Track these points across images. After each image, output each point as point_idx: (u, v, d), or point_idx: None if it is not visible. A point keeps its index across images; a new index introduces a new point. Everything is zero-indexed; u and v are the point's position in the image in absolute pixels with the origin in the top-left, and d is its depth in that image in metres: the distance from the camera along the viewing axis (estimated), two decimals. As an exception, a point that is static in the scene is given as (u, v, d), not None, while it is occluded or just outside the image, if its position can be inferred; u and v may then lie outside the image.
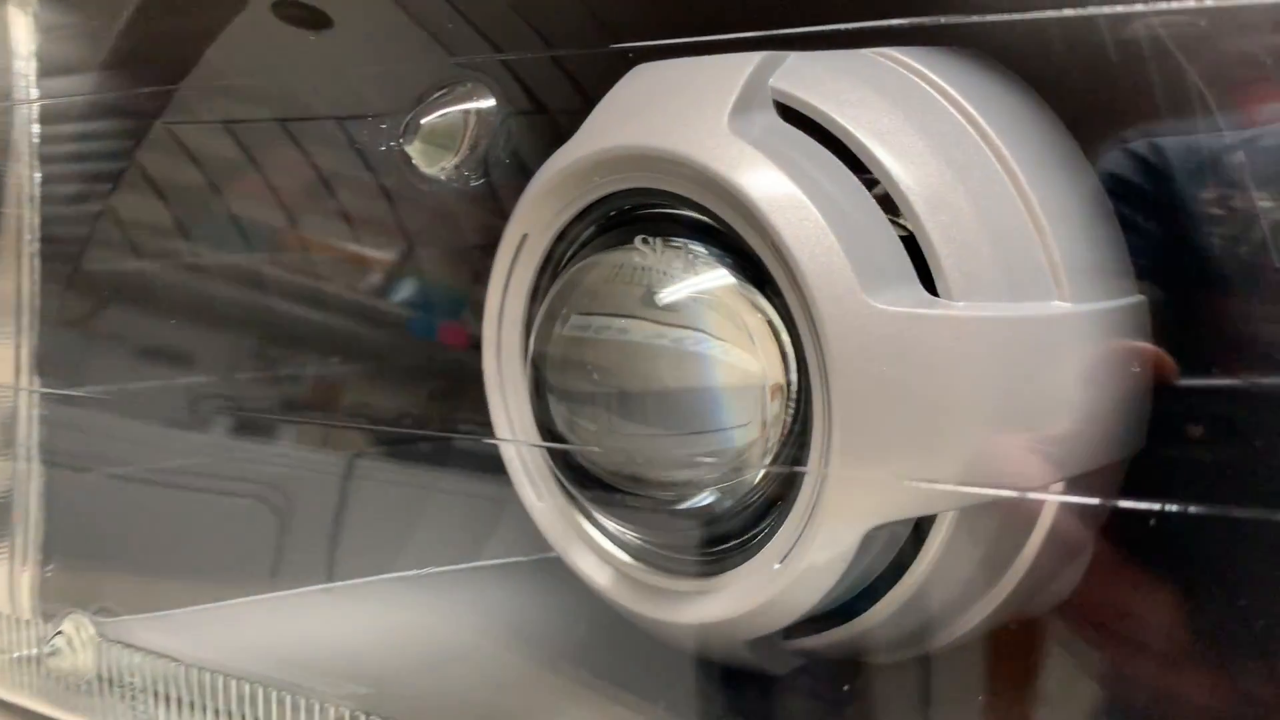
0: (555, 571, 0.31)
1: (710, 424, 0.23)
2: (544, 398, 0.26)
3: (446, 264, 0.34)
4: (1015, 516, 0.22)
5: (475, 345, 0.36)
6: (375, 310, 0.36)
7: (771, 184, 0.22)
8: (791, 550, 0.22)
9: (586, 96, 0.25)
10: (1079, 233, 0.22)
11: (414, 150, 0.23)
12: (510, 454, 0.28)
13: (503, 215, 0.28)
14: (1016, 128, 0.23)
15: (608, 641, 0.30)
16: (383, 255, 0.35)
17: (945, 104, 0.23)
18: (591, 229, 0.26)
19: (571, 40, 0.24)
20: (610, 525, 0.26)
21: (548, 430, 0.26)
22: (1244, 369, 0.22)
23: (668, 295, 0.24)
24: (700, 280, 0.24)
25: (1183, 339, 0.23)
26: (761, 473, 0.23)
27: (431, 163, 0.23)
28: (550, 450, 0.27)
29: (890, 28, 0.23)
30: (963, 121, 0.22)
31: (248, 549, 0.36)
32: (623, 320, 0.24)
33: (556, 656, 0.31)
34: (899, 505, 0.21)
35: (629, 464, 0.24)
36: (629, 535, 0.26)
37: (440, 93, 0.23)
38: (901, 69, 0.23)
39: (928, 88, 0.23)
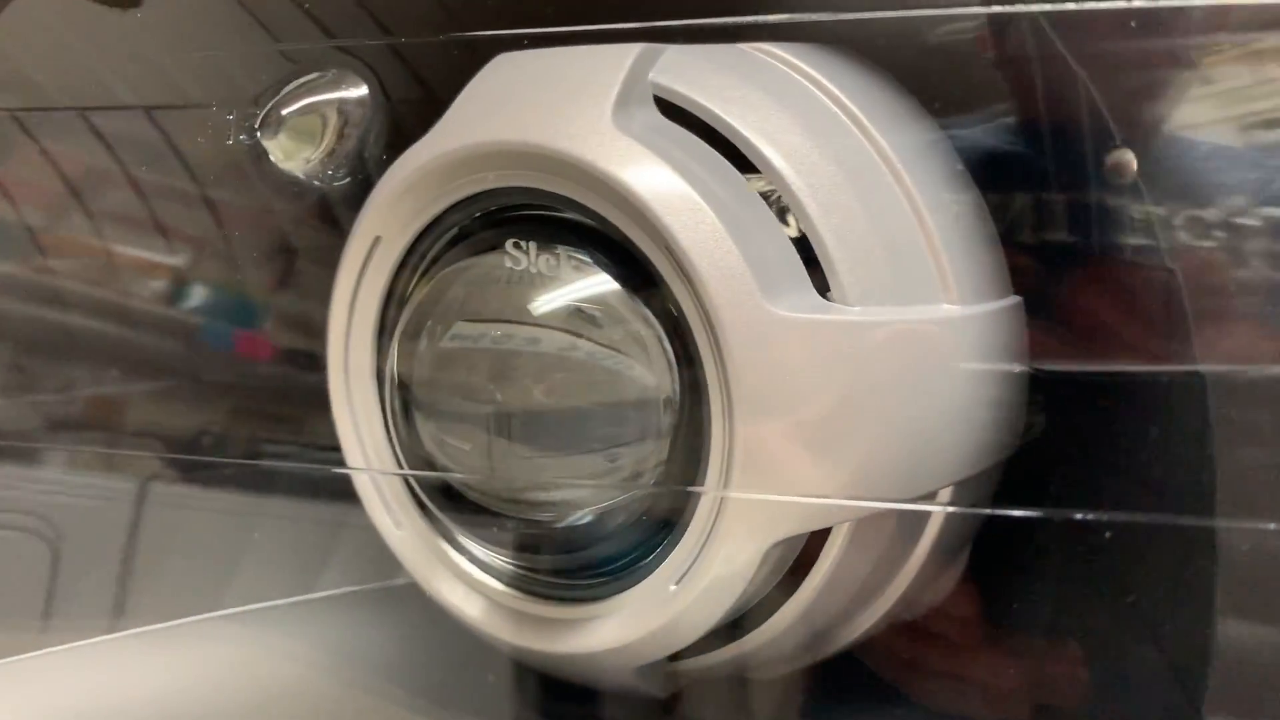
0: (396, 600, 0.29)
1: (600, 441, 0.22)
2: (407, 416, 0.23)
3: (247, 267, 0.31)
4: (905, 523, 0.22)
5: (279, 356, 0.33)
6: (162, 318, 0.33)
7: (663, 184, 0.20)
8: (689, 570, 0.21)
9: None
10: (960, 233, 0.22)
11: (273, 145, 0.21)
12: (362, 479, 0.25)
13: (324, 216, 0.26)
14: (896, 126, 0.22)
15: (451, 672, 0.28)
16: (167, 258, 0.31)
17: (828, 101, 0.22)
18: (453, 232, 0.24)
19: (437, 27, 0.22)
20: (480, 552, 0.24)
21: (410, 452, 0.24)
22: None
23: (547, 302, 0.22)
24: (582, 286, 0.22)
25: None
26: (651, 491, 0.22)
27: (290, 157, 0.21)
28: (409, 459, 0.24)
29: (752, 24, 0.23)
30: (846, 120, 0.22)
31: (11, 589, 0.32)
32: (498, 330, 0.22)
33: (395, 689, 0.29)
34: (802, 519, 0.20)
35: (508, 486, 0.22)
36: (502, 562, 0.24)
37: (303, 80, 0.20)
38: (780, 64, 0.22)
39: (808, 84, 0.22)
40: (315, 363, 0.25)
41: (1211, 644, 0.17)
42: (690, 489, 0.21)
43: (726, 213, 0.20)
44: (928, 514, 0.22)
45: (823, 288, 0.21)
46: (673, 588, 0.22)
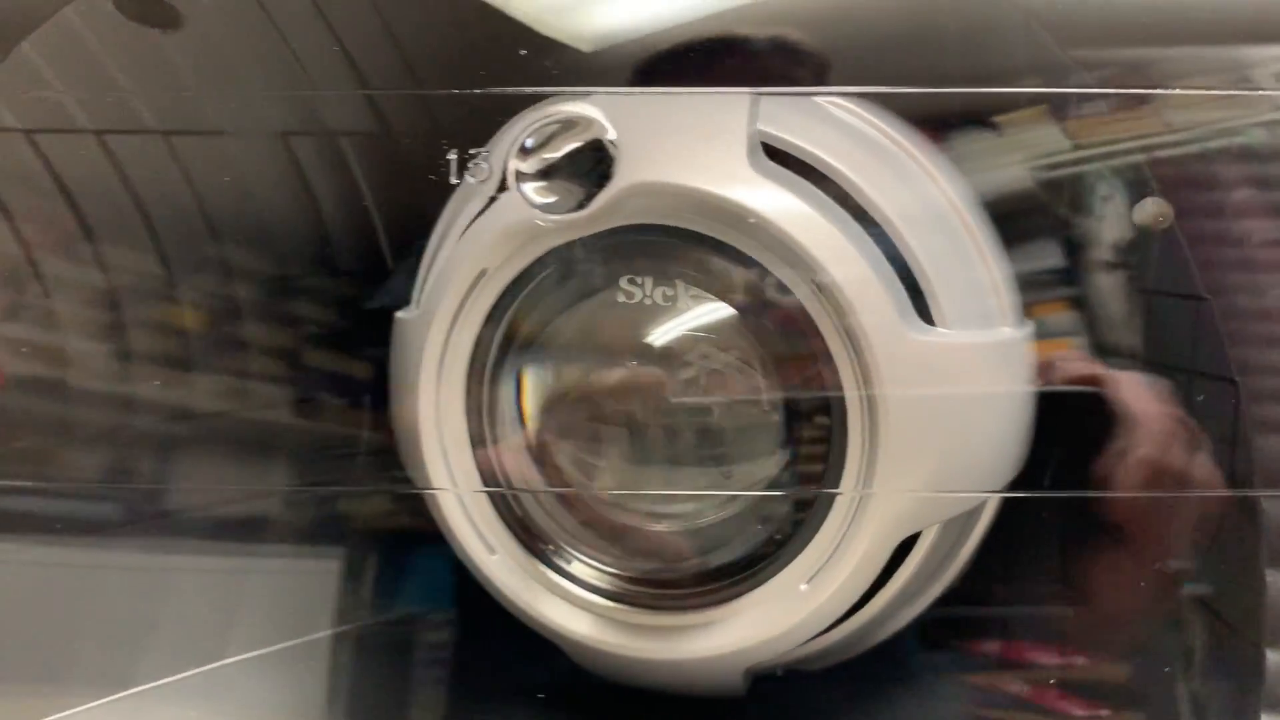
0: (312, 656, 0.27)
1: (721, 454, 0.24)
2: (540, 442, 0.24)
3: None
4: (966, 517, 0.26)
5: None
6: None
7: (810, 224, 0.23)
8: (822, 568, 0.24)
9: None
10: (1004, 269, 0.26)
11: (532, 187, 0.21)
12: (450, 507, 0.25)
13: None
14: (938, 166, 0.26)
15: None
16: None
17: (900, 152, 0.25)
18: (553, 268, 0.25)
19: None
20: (581, 570, 0.25)
21: (494, 475, 0.25)
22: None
23: (667, 332, 0.24)
24: (703, 313, 0.24)
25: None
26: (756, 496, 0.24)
27: (551, 196, 0.21)
28: (504, 495, 0.25)
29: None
30: (919, 170, 0.25)
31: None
32: (623, 359, 0.24)
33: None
34: (934, 511, 0.24)
35: (642, 500, 0.24)
36: (606, 578, 0.25)
37: (551, 124, 0.21)
38: (855, 118, 0.26)
39: (882, 136, 0.25)
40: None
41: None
42: (832, 490, 0.23)
43: (863, 250, 0.23)
44: (982, 507, 0.26)
45: (924, 315, 0.24)
46: (803, 587, 0.24)
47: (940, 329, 0.24)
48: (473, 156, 0.21)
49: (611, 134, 0.21)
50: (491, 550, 0.25)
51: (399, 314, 0.26)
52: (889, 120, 0.25)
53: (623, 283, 0.24)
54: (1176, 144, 0.26)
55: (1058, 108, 0.26)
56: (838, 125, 0.25)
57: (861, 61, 0.25)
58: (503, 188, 0.22)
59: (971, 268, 0.25)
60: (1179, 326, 0.26)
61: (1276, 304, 0.25)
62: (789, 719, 0.27)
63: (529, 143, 0.21)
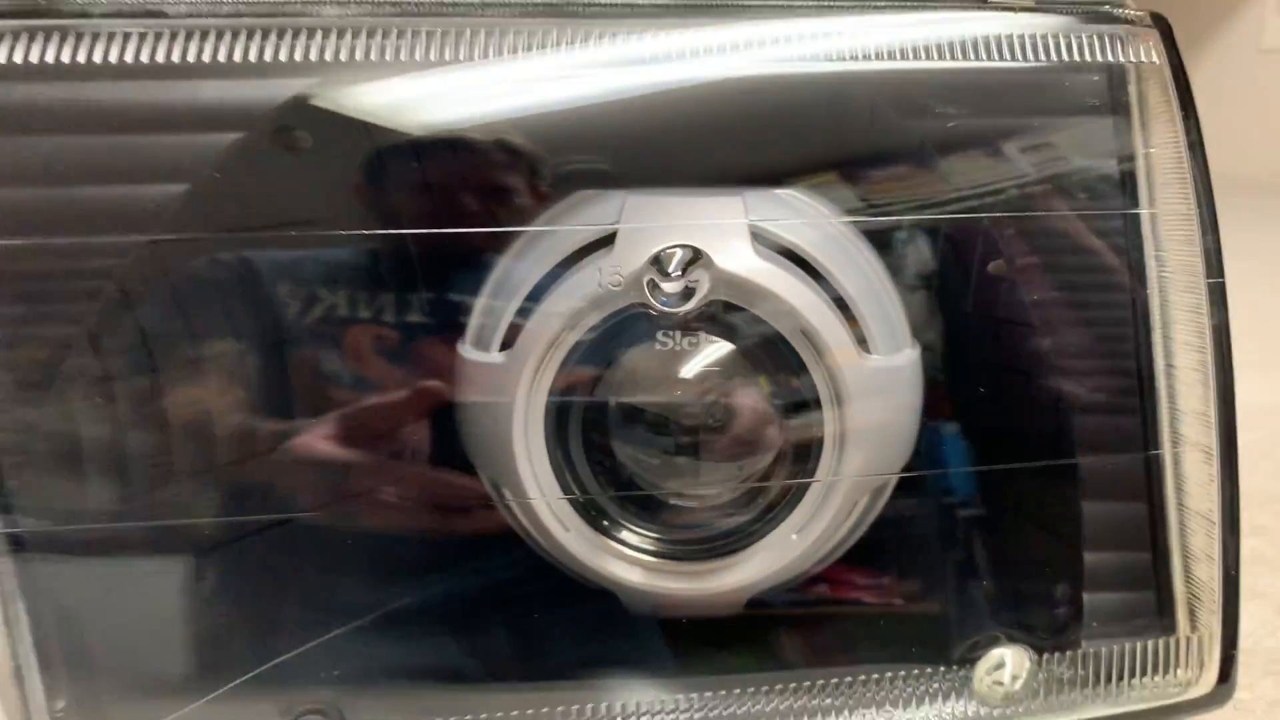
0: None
1: (753, 457, 0.34)
2: (604, 452, 0.34)
3: None
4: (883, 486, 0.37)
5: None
6: None
7: (802, 296, 0.33)
8: (809, 523, 0.35)
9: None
10: (901, 306, 0.38)
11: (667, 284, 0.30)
12: (536, 499, 0.34)
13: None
14: (855, 233, 0.37)
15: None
16: None
17: (835, 228, 0.36)
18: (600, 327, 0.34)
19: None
20: (630, 537, 0.35)
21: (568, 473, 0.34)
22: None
23: (692, 369, 0.34)
24: (715, 352, 0.34)
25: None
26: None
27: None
28: (578, 490, 0.34)
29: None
30: (849, 241, 0.36)
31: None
32: (663, 391, 0.34)
33: None
34: (878, 484, 0.35)
35: (684, 486, 0.34)
36: (650, 541, 0.35)
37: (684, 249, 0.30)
38: (806, 206, 0.36)
39: (823, 218, 0.36)
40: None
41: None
42: (815, 480, 0.34)
43: (829, 305, 0.34)
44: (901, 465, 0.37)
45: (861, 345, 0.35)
46: (794, 537, 0.35)
47: (875, 357, 0.35)
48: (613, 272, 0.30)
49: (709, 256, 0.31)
50: (566, 529, 0.35)
51: (483, 358, 0.34)
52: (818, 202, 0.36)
53: (659, 335, 0.34)
54: (952, 200, 0.38)
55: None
56: (788, 207, 0.35)
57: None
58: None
59: (885, 306, 0.36)
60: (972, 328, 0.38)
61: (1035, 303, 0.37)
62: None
63: (670, 270, 0.30)
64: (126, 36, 0.29)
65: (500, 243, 0.34)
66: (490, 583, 0.36)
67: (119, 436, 0.31)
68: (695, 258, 0.31)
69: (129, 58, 0.29)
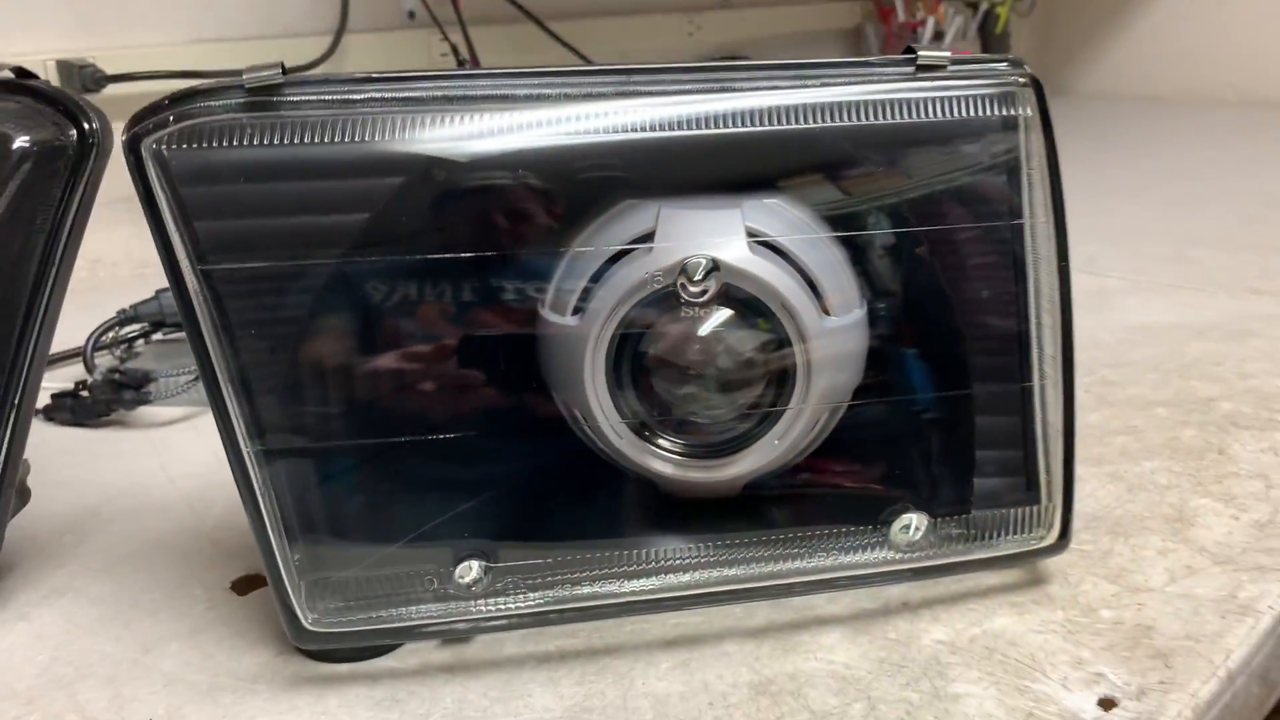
0: None
1: (738, 385, 0.50)
2: (646, 386, 0.49)
3: None
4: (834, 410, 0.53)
5: None
6: None
7: (784, 281, 0.48)
8: (786, 431, 0.51)
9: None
10: (851, 273, 0.53)
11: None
12: (599, 416, 0.50)
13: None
14: (821, 226, 0.52)
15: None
16: None
17: (807, 219, 0.51)
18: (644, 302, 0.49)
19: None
20: (665, 444, 0.51)
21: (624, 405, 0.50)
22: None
23: (707, 328, 0.49)
24: (721, 317, 0.50)
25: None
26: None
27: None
28: (629, 415, 0.50)
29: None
30: (811, 229, 0.51)
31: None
32: (686, 345, 0.49)
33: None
34: (825, 408, 0.51)
35: (700, 409, 0.50)
36: (679, 448, 0.51)
37: (708, 260, 0.45)
38: (787, 209, 0.51)
39: (796, 217, 0.51)
40: None
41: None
42: (789, 408, 0.50)
43: (804, 286, 0.49)
44: (849, 399, 0.53)
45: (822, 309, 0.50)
46: (776, 442, 0.51)
47: (832, 317, 0.51)
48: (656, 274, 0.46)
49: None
50: (620, 437, 0.51)
51: (560, 320, 0.50)
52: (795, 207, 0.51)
53: (683, 308, 0.49)
54: (913, 188, 0.53)
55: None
56: (780, 217, 0.51)
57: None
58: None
59: (838, 272, 0.51)
60: (930, 296, 0.54)
61: (977, 280, 0.52)
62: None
63: (694, 277, 0.46)
64: (324, 124, 0.44)
65: (569, 241, 0.49)
66: (570, 472, 0.52)
67: (329, 375, 0.47)
68: (714, 267, 0.46)
69: (327, 138, 0.44)
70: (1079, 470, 0.59)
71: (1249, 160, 1.49)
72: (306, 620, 0.45)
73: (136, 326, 0.80)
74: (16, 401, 0.47)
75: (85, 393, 0.71)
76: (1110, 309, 0.90)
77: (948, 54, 0.49)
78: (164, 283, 0.44)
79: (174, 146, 0.43)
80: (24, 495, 0.50)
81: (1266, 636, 0.47)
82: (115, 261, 1.12)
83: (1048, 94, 0.48)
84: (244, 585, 0.54)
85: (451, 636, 0.48)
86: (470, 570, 0.46)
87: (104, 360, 0.78)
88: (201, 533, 0.58)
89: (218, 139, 0.44)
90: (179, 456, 0.68)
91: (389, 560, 0.48)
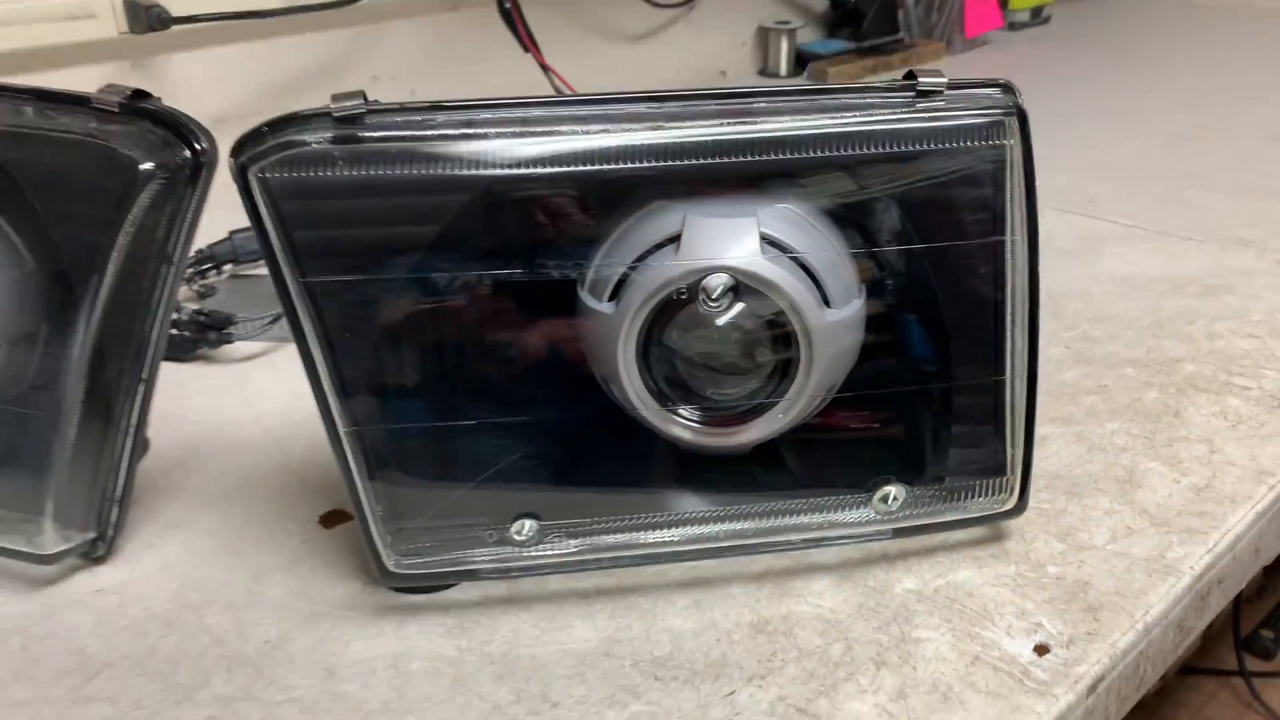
0: None
1: (747, 363, 0.59)
2: (672, 364, 0.58)
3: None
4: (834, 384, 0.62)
5: None
6: None
7: (791, 283, 0.56)
8: (792, 402, 0.59)
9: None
10: (851, 262, 0.61)
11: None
12: (629, 389, 0.59)
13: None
14: (827, 225, 0.60)
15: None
16: None
17: (813, 225, 0.59)
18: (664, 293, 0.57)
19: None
20: (685, 412, 0.60)
21: (650, 381, 0.59)
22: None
23: (724, 319, 0.58)
24: (735, 309, 0.58)
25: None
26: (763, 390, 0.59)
27: None
28: (655, 389, 0.59)
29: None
30: (817, 230, 0.59)
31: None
32: (709, 331, 0.58)
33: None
34: (823, 389, 0.59)
35: (715, 387, 0.58)
36: (697, 416, 0.60)
37: (730, 275, 0.54)
38: (788, 209, 0.59)
39: (800, 215, 0.59)
40: None
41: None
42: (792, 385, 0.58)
43: (809, 284, 0.57)
44: (847, 373, 0.62)
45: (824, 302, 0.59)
46: (780, 415, 0.59)
47: (833, 310, 0.59)
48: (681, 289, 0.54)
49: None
50: (646, 405, 0.59)
51: (597, 305, 0.58)
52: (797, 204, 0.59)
53: (701, 299, 0.57)
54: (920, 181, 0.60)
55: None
56: (792, 222, 0.58)
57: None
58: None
59: (839, 269, 0.59)
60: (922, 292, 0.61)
61: (961, 283, 0.60)
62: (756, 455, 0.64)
63: (714, 295, 0.54)
64: (401, 155, 0.52)
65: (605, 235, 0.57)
66: (604, 428, 0.61)
67: (410, 355, 0.55)
68: (731, 286, 0.54)
69: (402, 168, 0.52)
70: (1048, 429, 0.69)
71: (1265, 83, 1.53)
72: (390, 565, 0.56)
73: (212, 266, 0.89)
74: (144, 377, 0.56)
75: (174, 330, 0.80)
76: (1101, 258, 0.97)
77: (944, 80, 0.56)
78: (233, 226, 0.53)
79: (276, 175, 0.51)
80: (144, 446, 0.60)
81: (1184, 593, 0.57)
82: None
83: None
84: (330, 520, 0.64)
85: (506, 577, 0.58)
86: (524, 527, 0.56)
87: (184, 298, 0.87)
88: (289, 469, 0.68)
89: (312, 168, 0.51)
90: (261, 392, 0.77)
91: (455, 510, 0.58)
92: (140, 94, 0.55)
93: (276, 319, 0.80)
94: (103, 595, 0.57)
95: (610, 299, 0.57)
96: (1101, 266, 0.95)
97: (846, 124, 0.55)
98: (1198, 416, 0.72)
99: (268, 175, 0.51)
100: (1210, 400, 0.73)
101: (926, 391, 0.61)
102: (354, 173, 0.52)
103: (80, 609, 0.56)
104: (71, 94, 0.56)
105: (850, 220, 0.59)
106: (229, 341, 0.80)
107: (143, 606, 0.57)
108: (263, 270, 0.51)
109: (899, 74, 0.57)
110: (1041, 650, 0.53)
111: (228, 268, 0.91)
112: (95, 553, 0.59)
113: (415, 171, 0.52)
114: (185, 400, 0.76)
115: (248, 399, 0.77)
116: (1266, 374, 0.76)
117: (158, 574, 0.59)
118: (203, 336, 0.80)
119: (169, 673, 0.52)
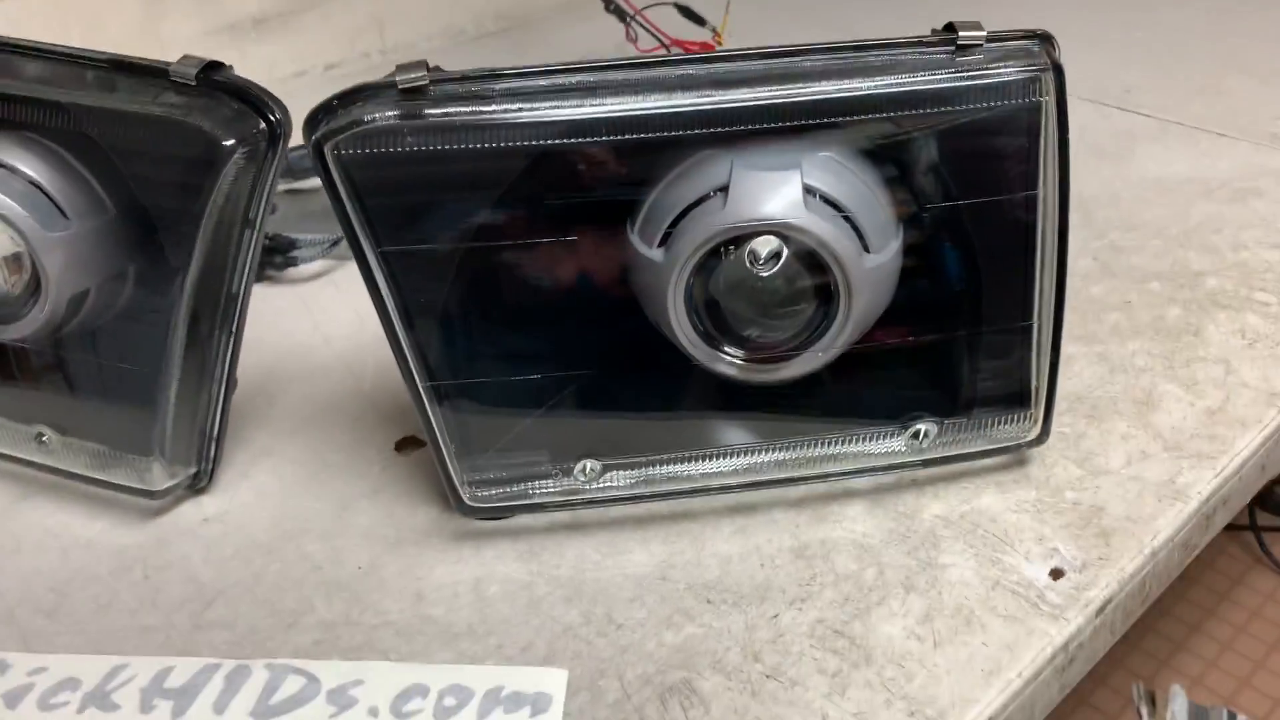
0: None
1: (792, 303, 0.63)
2: (716, 308, 0.62)
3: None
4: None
5: None
6: None
7: (831, 232, 0.60)
8: (835, 340, 0.63)
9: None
10: (889, 203, 0.64)
11: None
12: (678, 331, 0.63)
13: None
14: (867, 169, 0.63)
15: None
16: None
17: (847, 170, 0.62)
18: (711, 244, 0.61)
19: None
20: (729, 349, 0.64)
21: (698, 323, 0.63)
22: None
23: (765, 250, 0.61)
24: (777, 242, 0.61)
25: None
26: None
27: None
28: (704, 330, 0.63)
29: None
30: (856, 176, 0.62)
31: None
32: (755, 281, 0.61)
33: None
34: (859, 327, 0.63)
35: (758, 328, 0.63)
36: (740, 353, 0.64)
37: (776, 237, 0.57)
38: (830, 158, 0.61)
39: (839, 163, 0.62)
40: None
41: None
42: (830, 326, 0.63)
43: (849, 231, 0.61)
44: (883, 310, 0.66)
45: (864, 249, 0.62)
46: (820, 354, 0.64)
47: (871, 254, 0.62)
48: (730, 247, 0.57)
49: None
50: (694, 345, 0.64)
51: (648, 251, 0.62)
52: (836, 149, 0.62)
53: (749, 258, 0.61)
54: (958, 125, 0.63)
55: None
56: (835, 171, 0.61)
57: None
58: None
59: (878, 213, 0.63)
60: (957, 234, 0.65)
61: (995, 232, 0.64)
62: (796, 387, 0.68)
63: (763, 254, 0.57)
64: (464, 128, 0.55)
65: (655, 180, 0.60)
66: (658, 370, 0.65)
67: (476, 308, 0.60)
68: (778, 252, 0.58)
69: (466, 142, 0.55)
70: (1073, 349, 0.73)
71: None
72: (466, 498, 0.61)
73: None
74: (234, 329, 0.61)
75: (241, 253, 0.84)
76: (1134, 158, 0.98)
77: (984, 34, 0.58)
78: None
79: (349, 151, 0.54)
80: (234, 385, 0.65)
81: (1191, 517, 0.62)
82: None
83: None
84: (404, 445, 0.69)
85: (569, 508, 0.64)
86: (586, 467, 0.62)
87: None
88: (361, 395, 0.74)
89: (383, 142, 0.55)
90: (327, 315, 0.82)
91: (521, 442, 0.63)
92: (215, 65, 0.58)
93: (336, 243, 0.85)
94: (208, 525, 0.64)
95: (659, 245, 0.61)
96: (1133, 167, 0.97)
97: (890, 86, 0.58)
98: (1217, 335, 0.75)
99: (342, 151, 0.54)
100: (1230, 317, 0.77)
101: (956, 328, 0.65)
102: (421, 147, 0.55)
103: (190, 538, 0.63)
104: (149, 65, 0.58)
105: (887, 158, 0.62)
106: (294, 265, 0.85)
107: (245, 535, 0.63)
108: (317, 184, 0.55)
109: None
110: (1057, 574, 0.58)
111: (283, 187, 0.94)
112: (198, 484, 0.65)
113: (475, 145, 0.56)
114: (258, 324, 0.80)
115: (315, 322, 0.82)
116: (1287, 288, 0.79)
117: (255, 503, 0.65)
118: (269, 260, 0.84)
119: (276, 599, 0.59)
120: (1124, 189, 0.93)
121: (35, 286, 0.64)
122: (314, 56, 1.19)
